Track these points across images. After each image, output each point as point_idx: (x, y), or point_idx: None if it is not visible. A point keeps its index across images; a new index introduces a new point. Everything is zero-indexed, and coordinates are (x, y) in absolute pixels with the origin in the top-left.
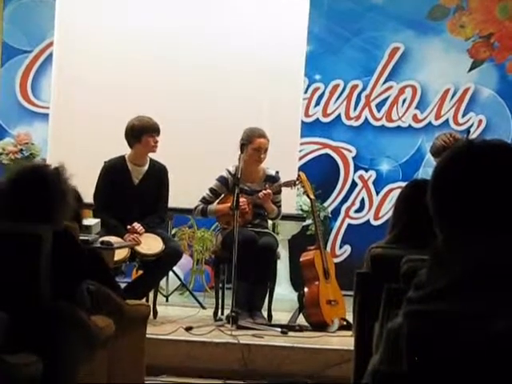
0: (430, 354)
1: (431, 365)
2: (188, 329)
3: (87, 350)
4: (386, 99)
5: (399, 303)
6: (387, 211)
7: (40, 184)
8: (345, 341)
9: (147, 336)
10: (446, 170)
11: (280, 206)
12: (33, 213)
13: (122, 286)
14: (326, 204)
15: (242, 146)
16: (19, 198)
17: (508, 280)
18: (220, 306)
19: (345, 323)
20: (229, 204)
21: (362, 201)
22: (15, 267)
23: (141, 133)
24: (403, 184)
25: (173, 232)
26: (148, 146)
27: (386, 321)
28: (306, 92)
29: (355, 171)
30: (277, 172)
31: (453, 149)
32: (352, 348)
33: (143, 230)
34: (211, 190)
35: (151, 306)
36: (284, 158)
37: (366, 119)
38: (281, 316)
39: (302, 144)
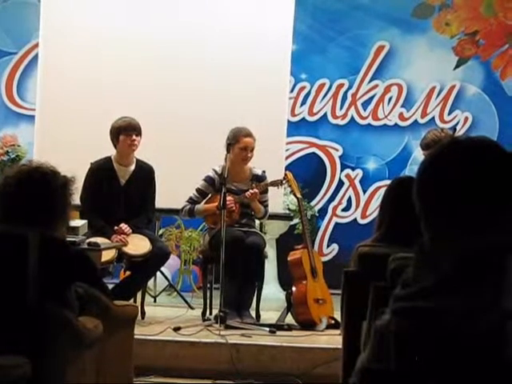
0: (417, 351)
1: (419, 362)
2: (176, 329)
3: (75, 351)
4: (371, 98)
5: (386, 301)
6: (374, 210)
7: (47, 189)
8: (333, 339)
9: (135, 337)
10: (431, 168)
11: (267, 206)
12: (32, 215)
13: (110, 286)
14: (313, 203)
15: (229, 146)
16: (23, 199)
17: (495, 278)
18: (208, 306)
19: (333, 322)
20: (216, 204)
21: (349, 199)
22: (2, 269)
23: (118, 133)
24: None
25: (160, 232)
26: (125, 145)
27: (374, 319)
28: (292, 91)
29: (342, 170)
30: (263, 171)
31: (437, 147)
32: (340, 346)
33: (130, 230)
34: (198, 190)
35: (139, 307)
36: (270, 158)
37: (352, 118)
38: (269, 315)
39: (288, 143)
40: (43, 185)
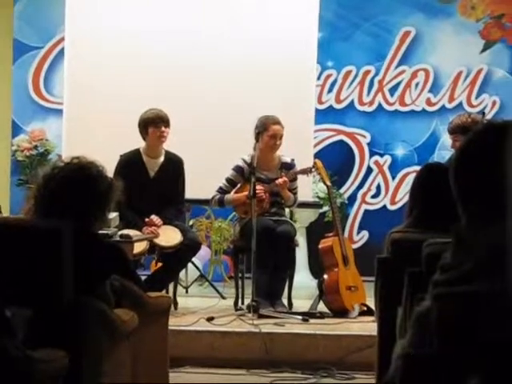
0: (460, 337)
1: (461, 347)
2: (209, 319)
3: (111, 343)
4: (398, 84)
5: (422, 287)
6: (403, 196)
7: (90, 190)
8: (366, 326)
9: (169, 327)
10: (468, 153)
11: (296, 194)
12: (70, 213)
13: (142, 278)
14: (342, 190)
15: (258, 135)
16: (64, 195)
17: None
18: (240, 296)
19: (365, 309)
20: (245, 193)
21: (378, 186)
22: (37, 262)
23: (146, 125)
24: (419, 168)
25: (190, 223)
26: (154, 137)
27: (410, 305)
28: (318, 79)
29: (370, 156)
30: (292, 159)
31: (474, 130)
32: (373, 333)
33: (161, 222)
34: (227, 179)
35: (172, 298)
36: (299, 146)
37: (380, 104)
38: (301, 303)
39: (316, 131)
40: (86, 185)
